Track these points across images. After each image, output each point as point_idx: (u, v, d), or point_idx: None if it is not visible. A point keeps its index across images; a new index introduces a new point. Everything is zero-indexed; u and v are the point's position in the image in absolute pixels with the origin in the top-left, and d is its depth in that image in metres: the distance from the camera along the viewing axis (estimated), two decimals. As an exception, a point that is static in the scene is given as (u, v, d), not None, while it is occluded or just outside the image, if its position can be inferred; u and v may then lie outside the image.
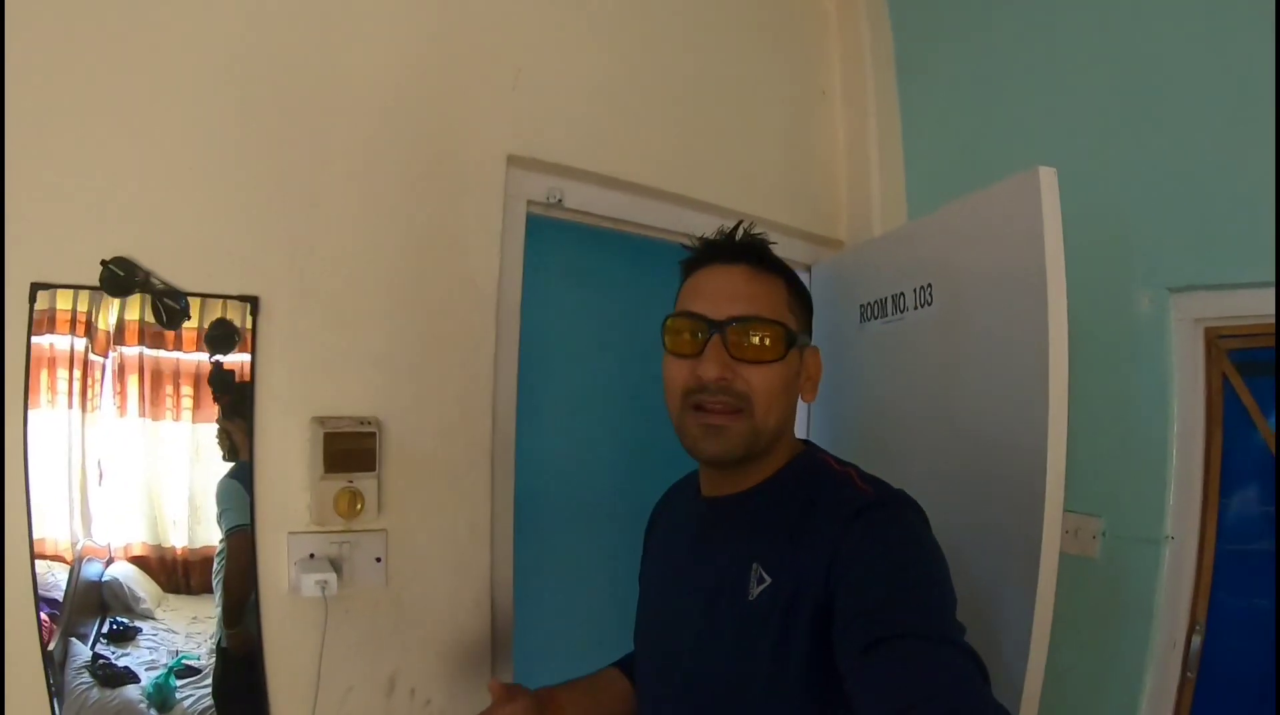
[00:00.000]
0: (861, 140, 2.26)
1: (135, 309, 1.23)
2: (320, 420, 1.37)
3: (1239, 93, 1.65)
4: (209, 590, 1.32)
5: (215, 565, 1.33)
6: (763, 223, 2.02)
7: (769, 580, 0.93)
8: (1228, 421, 1.72)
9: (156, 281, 1.22)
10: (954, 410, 1.64)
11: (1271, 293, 1.62)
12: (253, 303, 1.32)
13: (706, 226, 1.98)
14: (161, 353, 1.26)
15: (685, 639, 1.03)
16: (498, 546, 1.61)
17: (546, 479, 2.34)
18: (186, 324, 1.27)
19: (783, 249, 2.11)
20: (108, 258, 1.19)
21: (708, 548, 1.05)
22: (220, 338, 1.30)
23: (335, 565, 1.37)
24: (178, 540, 1.30)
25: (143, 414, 1.26)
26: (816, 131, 2.27)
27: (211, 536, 1.32)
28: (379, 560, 1.43)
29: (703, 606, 1.01)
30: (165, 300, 1.22)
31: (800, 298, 1.06)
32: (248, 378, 1.33)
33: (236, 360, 1.31)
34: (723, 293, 0.99)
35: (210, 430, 1.31)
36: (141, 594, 1.28)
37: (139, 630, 1.26)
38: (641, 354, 2.75)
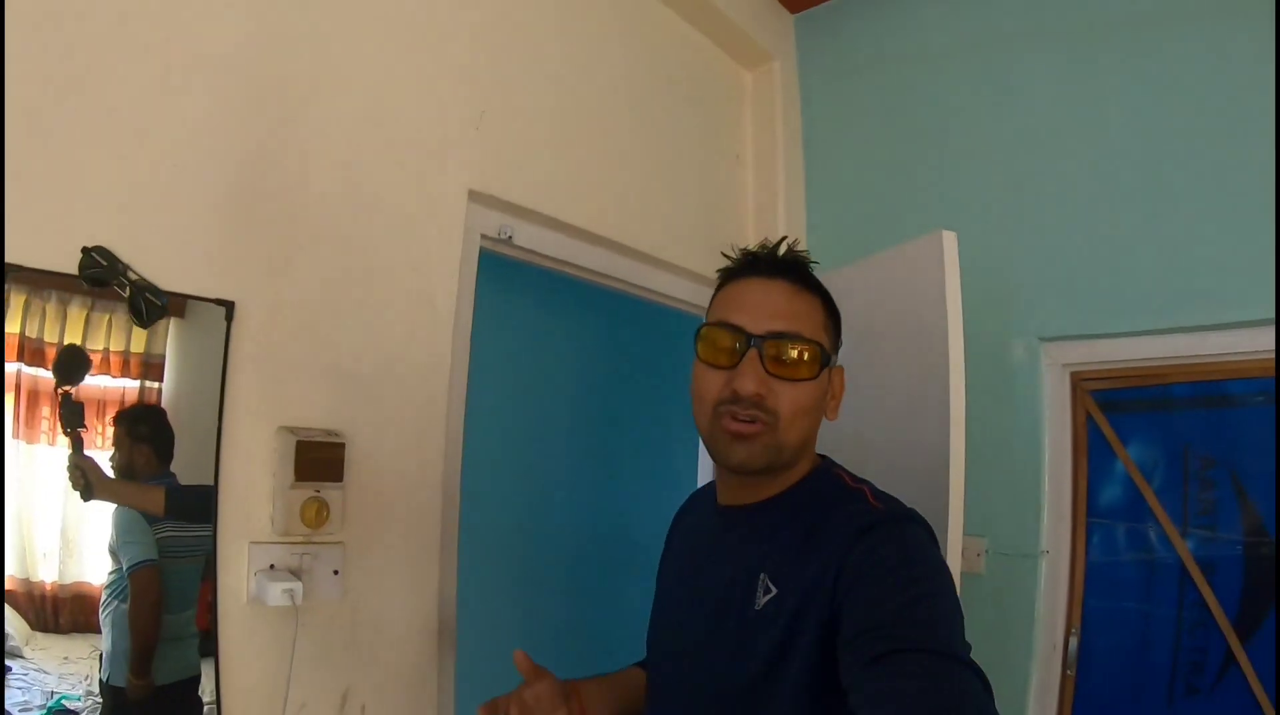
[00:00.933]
0: (770, 203, 2.49)
1: (16, 322, 1.15)
2: (291, 429, 1.37)
3: (1103, 168, 2.00)
4: (80, 630, 1.21)
5: (104, 599, 1.24)
6: (678, 271, 2.22)
7: (775, 591, 0.93)
8: (1091, 452, 2.00)
9: (134, 275, 1.21)
10: (859, 442, 1.81)
11: (1127, 341, 1.94)
12: (229, 307, 1.32)
13: (636, 273, 2.15)
14: (40, 371, 1.17)
15: (690, 643, 1.04)
16: (445, 567, 1.62)
17: (482, 512, 2.36)
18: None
19: (698, 297, 2.30)
20: (88, 245, 1.17)
21: (718, 556, 1.05)
22: (69, 365, 1.18)
23: (295, 576, 1.35)
24: (47, 574, 1.19)
25: (16, 436, 1.16)
26: (729, 193, 2.48)
27: (85, 572, 1.22)
28: (336, 573, 1.42)
29: (709, 613, 1.01)
30: (147, 295, 1.20)
31: (834, 319, 1.06)
32: (155, 399, 1.27)
33: (94, 386, 1.22)
34: (763, 307, 0.98)
35: (100, 457, 1.22)
36: (10, 630, 1.17)
37: (9, 669, 1.15)
38: (560, 402, 2.90)
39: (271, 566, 1.35)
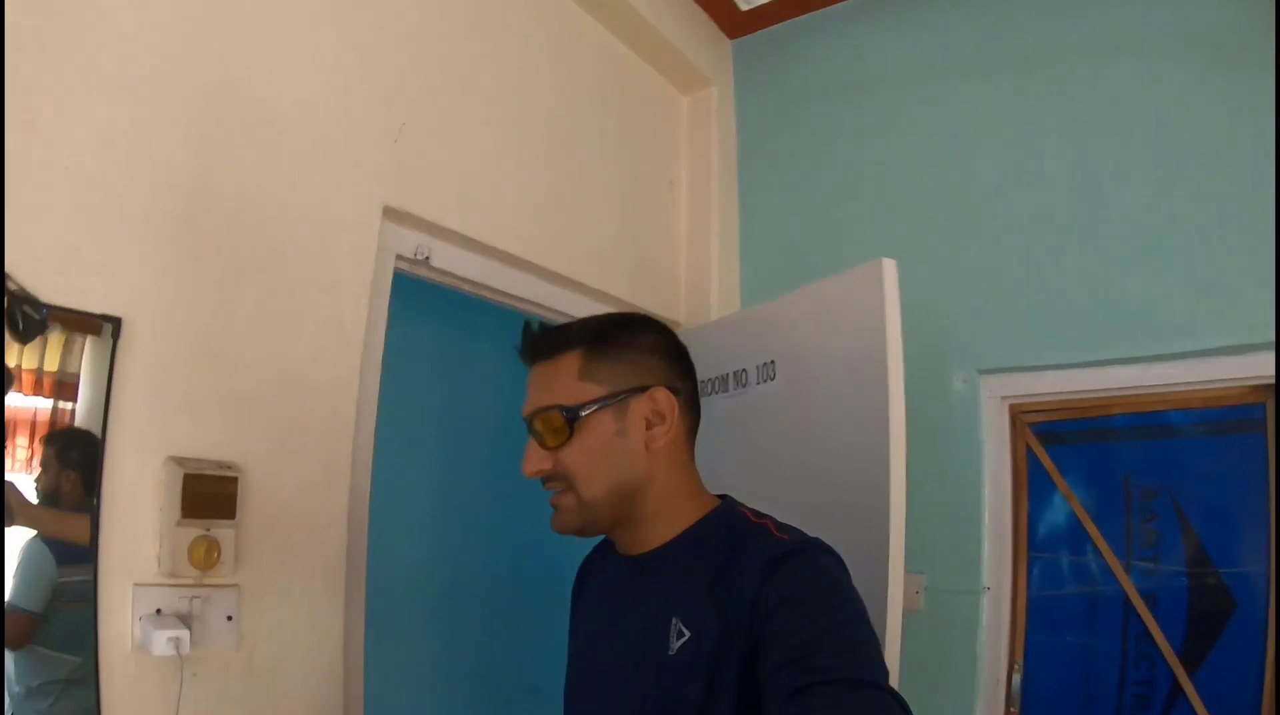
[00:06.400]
0: (704, 231, 2.53)
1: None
2: (179, 460, 1.32)
3: (1042, 199, 2.10)
4: None
5: None
6: (608, 299, 2.23)
7: (688, 634, 0.96)
8: (1032, 485, 2.06)
9: (13, 285, 1.15)
10: (796, 477, 1.83)
11: (1067, 373, 2.02)
12: (115, 324, 1.27)
13: (560, 299, 2.16)
14: None
15: (610, 698, 1.05)
16: (351, 611, 1.57)
17: (394, 555, 2.31)
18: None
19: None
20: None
21: (627, 605, 1.08)
22: None
23: (185, 622, 1.29)
24: None
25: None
26: (662, 219, 2.52)
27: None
28: (230, 619, 1.36)
29: (624, 663, 1.03)
30: (25, 307, 1.15)
31: (607, 351, 1.07)
32: (68, 421, 1.25)
33: (24, 406, 1.20)
34: (528, 394, 1.09)
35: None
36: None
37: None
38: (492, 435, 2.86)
39: (158, 611, 1.28)
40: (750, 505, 1.10)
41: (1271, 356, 1.82)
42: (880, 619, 1.53)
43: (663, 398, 1.06)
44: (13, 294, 1.15)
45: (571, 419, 1.03)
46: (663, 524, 1.06)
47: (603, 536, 1.20)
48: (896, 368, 1.65)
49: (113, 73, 1.31)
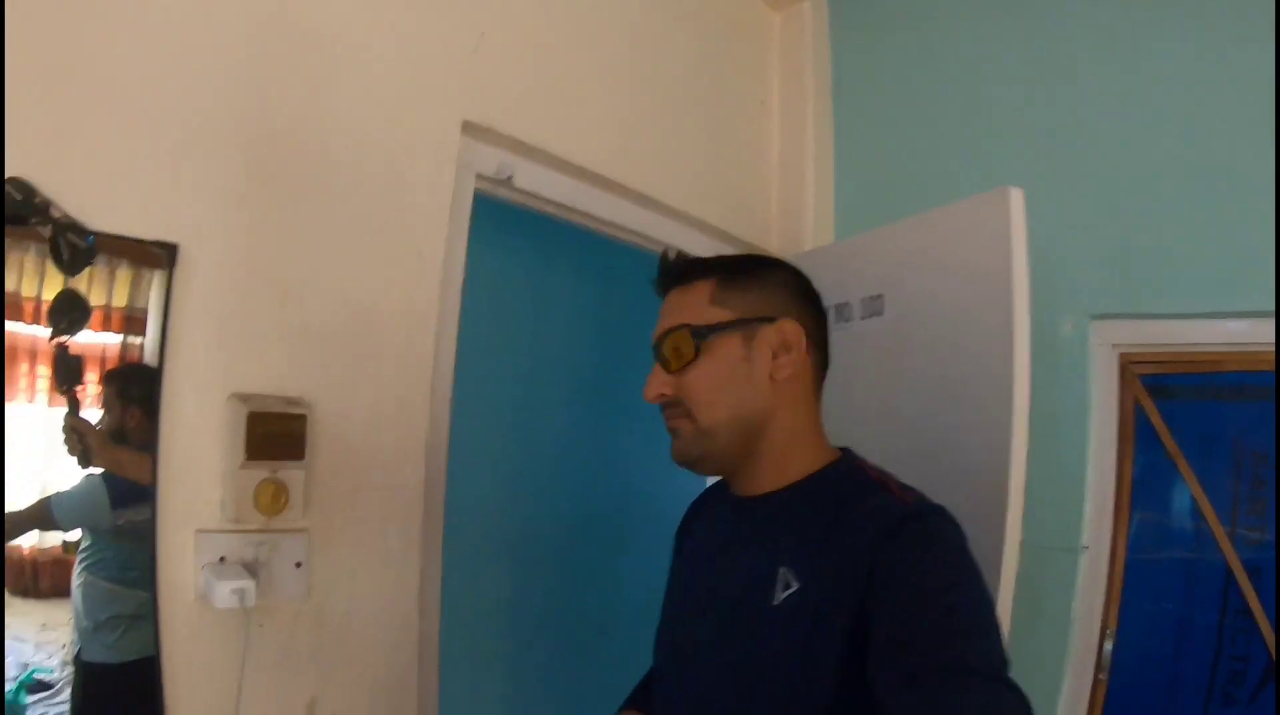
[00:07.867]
0: (798, 157, 2.23)
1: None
2: (242, 397, 1.12)
3: (1161, 131, 1.76)
4: (62, 595, 1.07)
5: (77, 569, 1.08)
6: (697, 224, 1.97)
7: (796, 586, 0.88)
8: (1138, 440, 1.78)
9: (57, 212, 0.95)
10: (902, 418, 1.62)
11: (1182, 324, 1.72)
12: (170, 252, 1.06)
13: (647, 223, 1.90)
14: (20, 327, 1.00)
15: (704, 642, 0.98)
16: (428, 556, 1.39)
17: (465, 494, 2.15)
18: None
19: (715, 252, 2.05)
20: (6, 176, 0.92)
21: (735, 549, 1.00)
22: (66, 311, 1.01)
23: (250, 570, 1.11)
24: (26, 538, 1.05)
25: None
26: (753, 142, 2.22)
27: (67, 536, 1.08)
28: (299, 566, 1.19)
29: (724, 608, 0.96)
30: (69, 235, 0.95)
31: (738, 280, 1.00)
32: (137, 357, 1.08)
33: (92, 342, 1.05)
34: (659, 322, 1.02)
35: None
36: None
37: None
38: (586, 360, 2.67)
39: (222, 559, 1.11)
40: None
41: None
42: (991, 579, 1.37)
43: (790, 328, 0.98)
44: (56, 222, 0.95)
45: (698, 339, 0.96)
46: (781, 466, 0.98)
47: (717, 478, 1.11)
48: (1023, 308, 1.45)
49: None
